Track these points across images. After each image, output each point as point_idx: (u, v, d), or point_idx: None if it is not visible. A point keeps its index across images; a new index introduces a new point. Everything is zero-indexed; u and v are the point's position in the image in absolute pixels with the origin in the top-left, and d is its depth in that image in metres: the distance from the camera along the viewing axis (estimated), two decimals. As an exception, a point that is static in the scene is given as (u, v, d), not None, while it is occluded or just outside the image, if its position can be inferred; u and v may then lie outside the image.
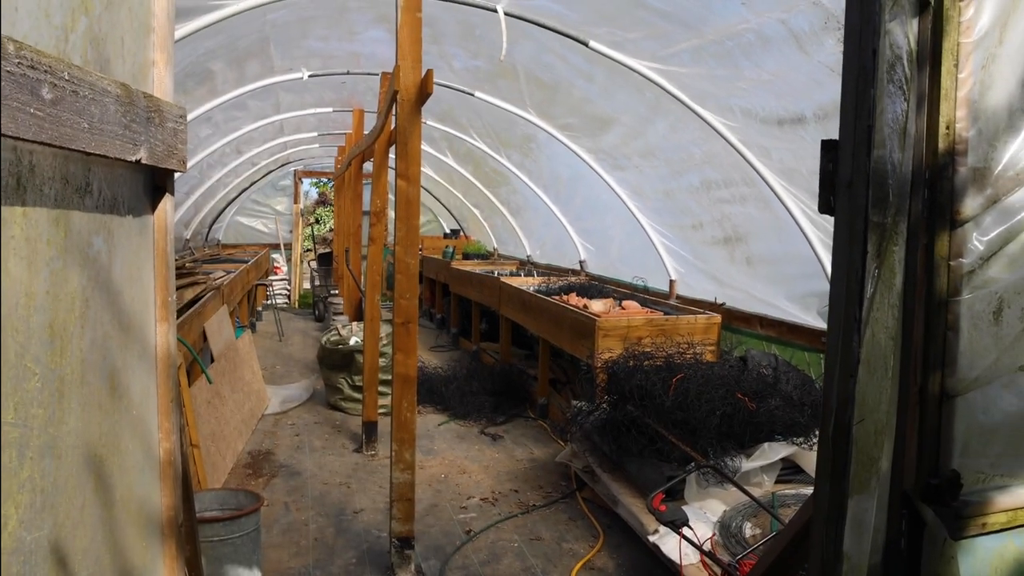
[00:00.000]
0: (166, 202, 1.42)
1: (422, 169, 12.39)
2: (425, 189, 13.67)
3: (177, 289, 6.10)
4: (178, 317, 5.31)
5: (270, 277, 14.18)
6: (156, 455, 1.37)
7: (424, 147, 9.51)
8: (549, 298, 6.09)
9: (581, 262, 8.11)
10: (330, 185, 29.72)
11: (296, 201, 15.43)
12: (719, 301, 5.29)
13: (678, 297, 6.05)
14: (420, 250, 13.44)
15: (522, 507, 4.55)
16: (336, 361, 6.74)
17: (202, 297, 6.10)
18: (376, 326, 5.69)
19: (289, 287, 15.11)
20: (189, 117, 5.33)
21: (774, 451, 3.84)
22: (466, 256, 11.06)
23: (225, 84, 5.51)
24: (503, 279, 7.56)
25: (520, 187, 8.29)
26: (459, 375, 7.64)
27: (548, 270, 9.02)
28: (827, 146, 1.16)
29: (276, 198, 15.44)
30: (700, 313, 5.25)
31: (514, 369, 7.38)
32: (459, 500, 4.69)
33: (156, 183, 1.40)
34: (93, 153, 1.08)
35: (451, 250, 11.17)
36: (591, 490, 4.60)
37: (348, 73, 5.80)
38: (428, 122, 7.63)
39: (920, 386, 1.50)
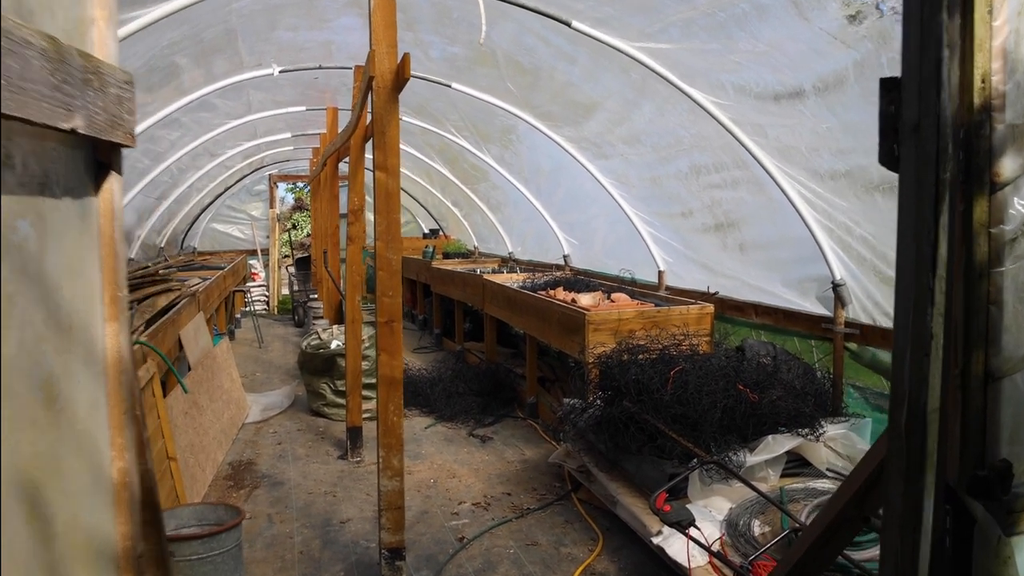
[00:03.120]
0: (112, 182, 1.23)
1: (403, 169, 12.25)
2: (403, 189, 13.46)
3: (150, 296, 5.88)
4: (151, 325, 5.09)
5: (248, 283, 13.90)
6: (108, 476, 1.18)
7: (401, 145, 9.31)
8: (535, 294, 5.93)
9: (565, 257, 7.96)
10: (306, 190, 29.42)
11: (272, 206, 15.14)
12: (711, 290, 5.16)
13: (668, 288, 5.91)
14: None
15: (516, 511, 4.38)
16: (317, 366, 6.53)
17: (176, 304, 5.86)
18: (357, 328, 5.50)
19: (268, 293, 14.81)
20: (156, 117, 5.03)
21: (779, 444, 3.71)
22: (446, 255, 10.87)
23: (192, 82, 5.27)
24: (486, 276, 7.38)
25: (500, 182, 8.12)
26: (444, 376, 7.45)
27: (531, 266, 8.85)
28: (888, 84, 1.00)
29: (252, 203, 15.13)
30: (692, 303, 5.12)
31: (500, 368, 7.21)
32: (450, 506, 4.50)
33: (99, 159, 1.21)
34: (11, 116, 0.89)
35: (431, 250, 10.96)
36: (587, 491, 4.44)
37: (320, 67, 5.59)
38: (404, 118, 7.43)
39: (962, 367, 1.36)
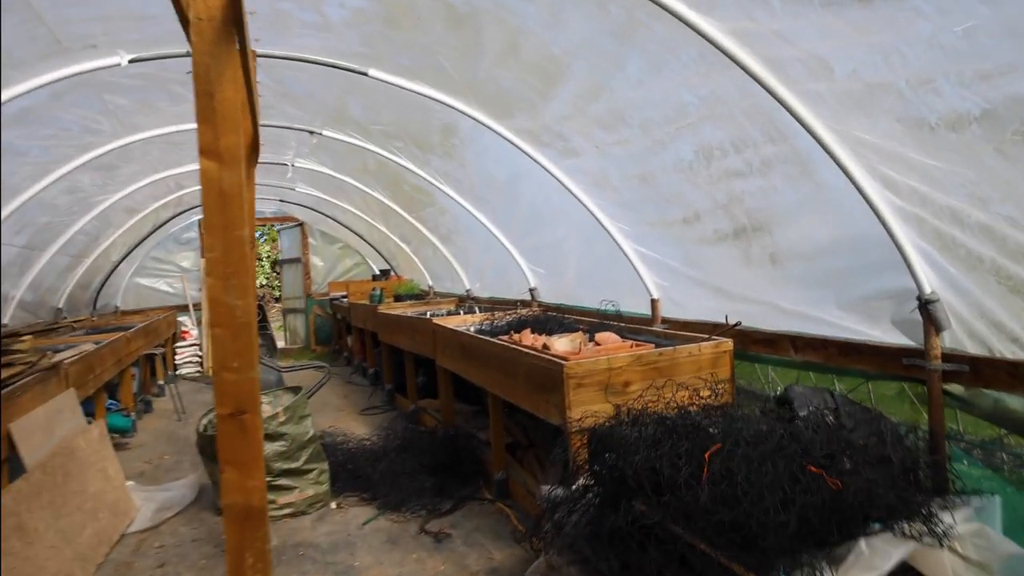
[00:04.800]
0: None
1: (340, 203, 10.75)
2: (344, 225, 12.06)
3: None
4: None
5: (177, 343, 12.32)
6: None
7: (320, 168, 7.92)
8: (494, 339, 4.58)
9: (531, 290, 6.63)
10: (261, 238, 27.80)
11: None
12: (730, 322, 3.86)
13: (664, 321, 4.60)
14: (345, 296, 11.79)
15: (483, 666, 2.96)
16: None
17: (10, 383, 4.37)
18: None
19: (201, 353, 13.19)
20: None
21: (880, 552, 2.39)
22: (397, 298, 9.48)
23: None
24: (435, 320, 6.01)
25: (448, 205, 6.79)
26: (391, 447, 6.02)
27: (492, 304, 7.51)
28: None
29: (180, 253, 13.57)
30: (704, 339, 3.81)
31: (460, 433, 5.79)
32: (386, 663, 3.06)
33: None
34: None
35: (379, 293, 9.58)
36: (585, 626, 3.04)
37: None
38: (325, 132, 6.07)
39: None
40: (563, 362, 3.55)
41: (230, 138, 1.92)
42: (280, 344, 14.39)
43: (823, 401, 3.23)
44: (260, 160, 7.95)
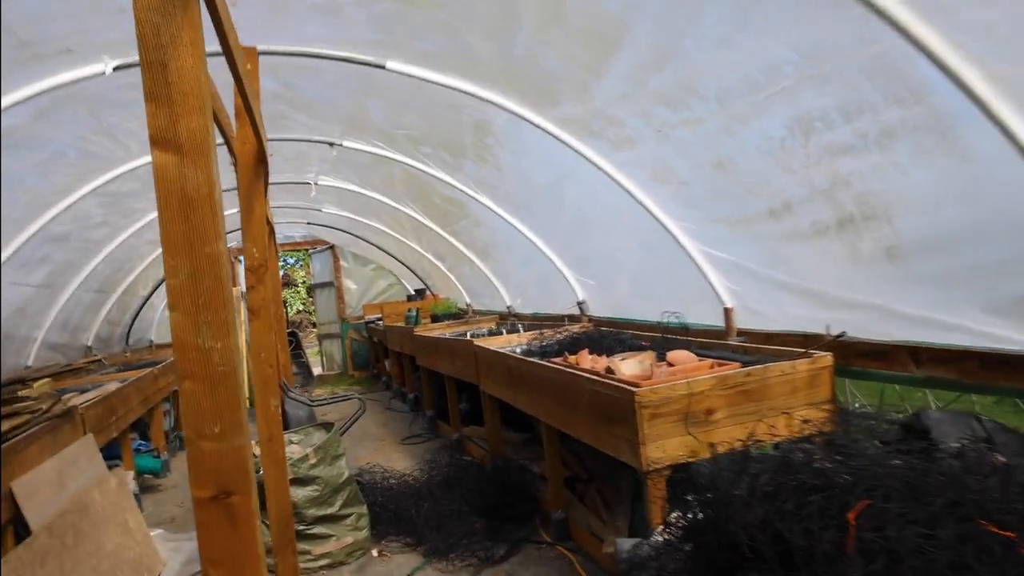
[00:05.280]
0: None
1: (369, 222, 10.30)
2: (375, 245, 11.63)
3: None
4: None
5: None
6: None
7: (345, 184, 7.46)
8: (546, 362, 4.01)
9: (580, 304, 6.05)
10: (296, 263, 27.76)
11: (235, 284, 13.33)
12: (831, 332, 3.23)
13: (741, 333, 3.99)
14: (380, 319, 11.34)
15: None
16: (244, 500, 4.55)
17: (12, 436, 3.94)
18: (277, 448, 3.54)
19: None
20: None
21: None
22: (435, 319, 8.99)
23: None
24: (476, 342, 5.46)
25: (483, 215, 6.25)
26: (436, 482, 5.49)
27: (537, 321, 6.95)
28: None
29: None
30: (799, 354, 3.20)
31: (511, 466, 5.23)
32: None
33: None
34: None
35: (415, 314, 9.09)
36: None
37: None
38: (345, 143, 5.61)
39: None
40: (634, 388, 2.97)
41: (193, 121, 1.41)
42: (317, 371, 14.03)
43: (968, 427, 2.59)
44: (280, 180, 7.56)
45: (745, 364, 3.22)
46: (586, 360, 3.72)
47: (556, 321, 6.32)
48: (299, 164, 6.75)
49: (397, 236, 9.69)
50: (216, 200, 1.44)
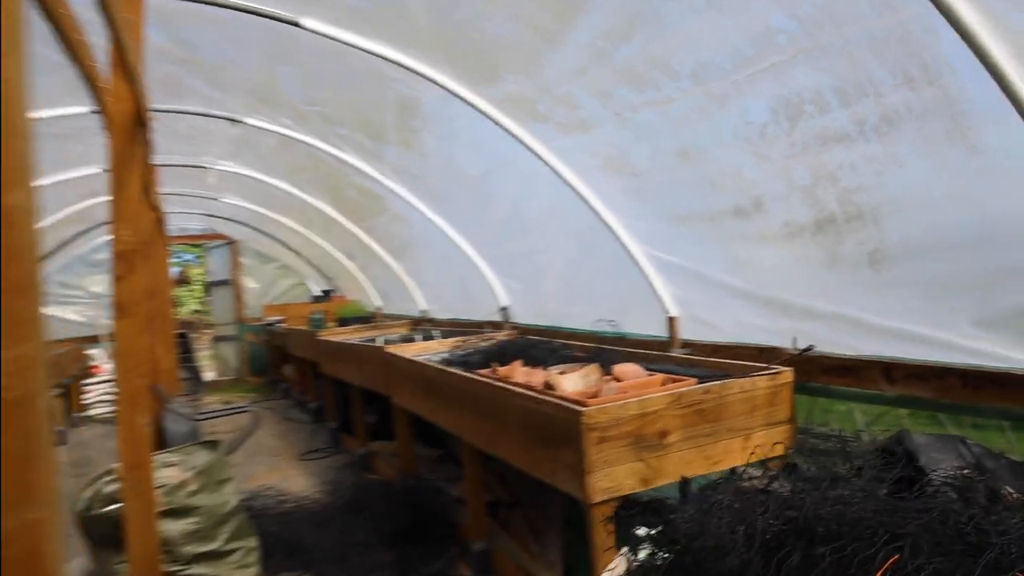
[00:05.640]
0: None
1: (274, 215, 9.47)
2: (280, 241, 10.82)
3: None
4: None
5: (85, 381, 10.83)
6: None
7: (247, 171, 6.73)
8: (473, 374, 3.54)
9: (503, 309, 5.62)
10: (189, 259, 25.92)
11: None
12: (797, 346, 2.92)
13: (685, 345, 3.65)
14: (281, 321, 10.54)
15: None
16: (104, 533, 3.82)
17: None
18: (144, 474, 2.90)
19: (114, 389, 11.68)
20: None
21: None
22: (342, 322, 8.34)
23: None
24: (388, 348, 4.93)
25: (404, 211, 5.72)
26: (339, 505, 4.92)
27: (454, 327, 6.46)
28: None
29: (91, 277, 12.05)
30: (762, 370, 2.88)
31: (424, 487, 4.72)
32: None
33: None
34: None
35: (320, 317, 8.42)
36: None
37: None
38: (247, 119, 4.94)
39: None
40: (580, 408, 2.55)
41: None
42: (209, 376, 12.96)
43: (955, 451, 2.32)
44: (172, 162, 6.74)
45: (702, 380, 2.86)
46: (519, 373, 3.28)
47: (476, 328, 5.86)
48: (195, 144, 5.98)
49: (304, 231, 8.97)
50: (19, 114, 0.90)
